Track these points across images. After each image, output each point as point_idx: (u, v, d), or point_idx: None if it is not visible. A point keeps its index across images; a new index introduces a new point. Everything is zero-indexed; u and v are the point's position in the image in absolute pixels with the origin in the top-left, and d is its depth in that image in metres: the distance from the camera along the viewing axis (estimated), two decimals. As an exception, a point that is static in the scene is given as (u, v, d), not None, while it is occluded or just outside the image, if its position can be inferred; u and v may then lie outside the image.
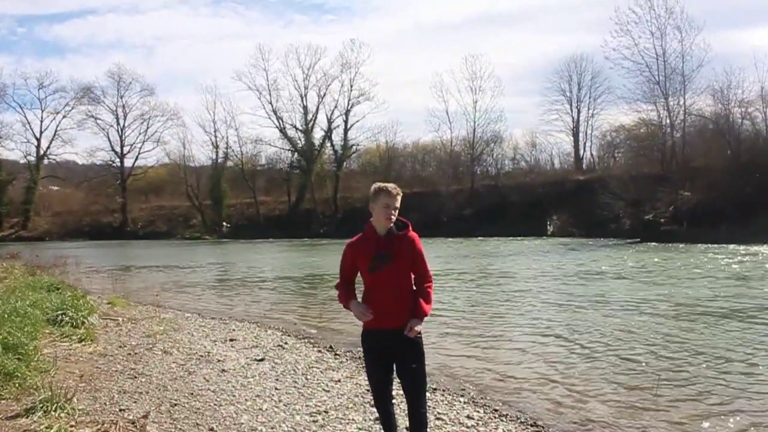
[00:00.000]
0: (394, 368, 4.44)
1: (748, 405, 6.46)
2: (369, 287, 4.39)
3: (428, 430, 4.56)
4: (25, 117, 77.43)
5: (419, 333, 4.26)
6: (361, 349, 4.63)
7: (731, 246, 30.41)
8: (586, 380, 7.51)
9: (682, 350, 9.01)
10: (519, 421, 5.92)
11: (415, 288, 4.41)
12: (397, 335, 4.29)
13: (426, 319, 4.37)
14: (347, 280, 4.50)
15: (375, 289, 4.34)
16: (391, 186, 4.37)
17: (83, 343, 8.66)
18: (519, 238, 46.54)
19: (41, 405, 5.23)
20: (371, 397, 6.26)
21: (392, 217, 4.32)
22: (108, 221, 75.59)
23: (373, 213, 4.38)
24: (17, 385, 5.95)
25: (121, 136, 78.89)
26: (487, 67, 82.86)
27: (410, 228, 4.43)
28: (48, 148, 77.55)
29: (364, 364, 7.86)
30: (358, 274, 4.49)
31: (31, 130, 76.90)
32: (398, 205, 4.34)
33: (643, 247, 34.45)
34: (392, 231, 4.36)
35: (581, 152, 68.93)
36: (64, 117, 77.02)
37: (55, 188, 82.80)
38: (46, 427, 4.76)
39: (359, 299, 4.43)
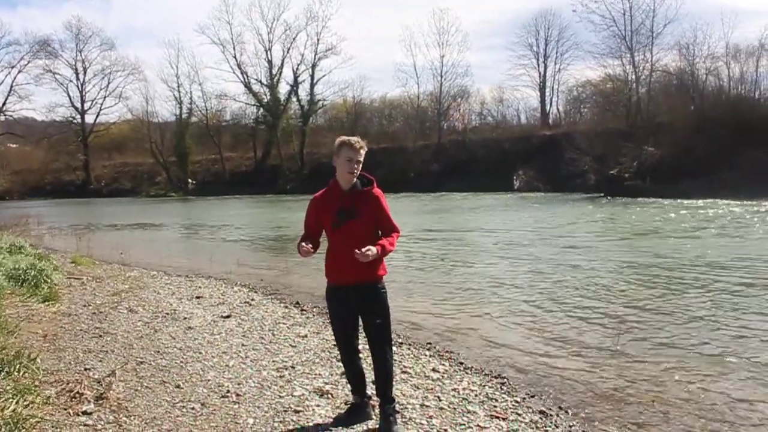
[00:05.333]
0: (360, 323, 4.48)
1: (703, 357, 6.65)
2: (333, 243, 4.37)
3: (394, 383, 4.61)
4: (-24, 72, 74.84)
5: (368, 257, 4.06)
6: (326, 304, 4.65)
7: (693, 201, 30.97)
8: (550, 334, 7.64)
9: (642, 305, 9.22)
10: (483, 373, 6.02)
11: None
12: (361, 291, 4.31)
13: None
14: (310, 236, 4.45)
15: (339, 245, 4.31)
16: (354, 139, 4.29)
17: (46, 303, 8.56)
18: (485, 193, 46.80)
19: (4, 366, 5.17)
20: (337, 352, 6.33)
21: (355, 171, 4.26)
22: (70, 179, 74.33)
23: (337, 167, 4.32)
24: (-22, 345, 5.88)
25: (81, 92, 77.04)
26: (454, 21, 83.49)
27: (375, 184, 4.38)
28: (4, 104, 75.04)
29: (329, 320, 7.93)
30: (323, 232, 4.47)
31: (-16, 85, 74.40)
32: (362, 159, 4.27)
33: (606, 202, 34.94)
34: (357, 187, 4.31)
35: (548, 107, 69.39)
36: (19, 72, 74.40)
37: (14, 146, 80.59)
38: (11, 388, 4.71)
39: (325, 257, 4.43)
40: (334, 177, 4.36)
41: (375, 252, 4.10)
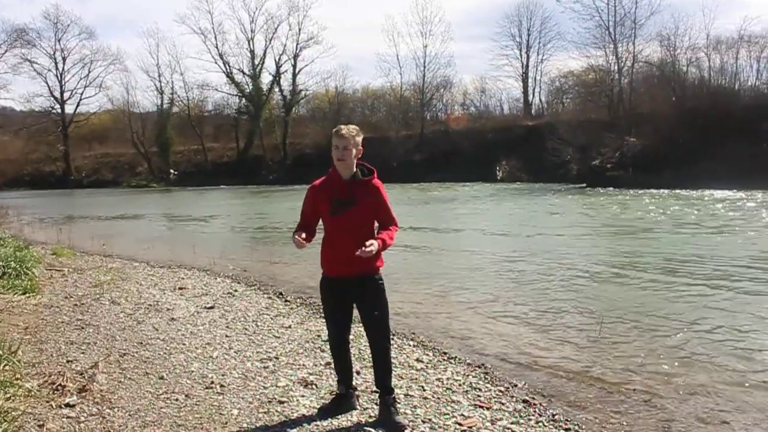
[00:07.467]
0: (359, 316, 4.44)
1: (685, 346, 6.72)
2: (329, 232, 4.30)
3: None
4: (-48, 60, 73.27)
5: (371, 252, 4.02)
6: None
7: (674, 191, 31.23)
8: (533, 324, 7.69)
9: (624, 295, 9.31)
10: (467, 363, 6.05)
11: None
12: (359, 283, 4.27)
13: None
14: (306, 225, 4.36)
15: (336, 235, 4.25)
16: (342, 127, 4.27)
17: (27, 295, 8.47)
18: (468, 183, 46.86)
19: (-16, 358, 5.12)
20: (321, 343, 6.34)
21: (344, 158, 4.20)
22: (50, 170, 73.38)
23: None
24: (-42, 338, 5.82)
25: (60, 82, 75.74)
26: (437, 11, 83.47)
27: (375, 175, 4.34)
28: (-21, 93, 73.81)
29: (313, 311, 7.92)
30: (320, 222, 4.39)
31: (-40, 74, 72.88)
32: (351, 146, 4.19)
33: (588, 193, 35.13)
34: (357, 176, 4.27)
35: (530, 98, 69.34)
36: (-4, 61, 73.35)
37: (-9, 136, 79.35)
38: (-9, 381, 4.67)
39: (321, 247, 4.37)
40: (334, 166, 4.29)
41: (377, 247, 4.06)
